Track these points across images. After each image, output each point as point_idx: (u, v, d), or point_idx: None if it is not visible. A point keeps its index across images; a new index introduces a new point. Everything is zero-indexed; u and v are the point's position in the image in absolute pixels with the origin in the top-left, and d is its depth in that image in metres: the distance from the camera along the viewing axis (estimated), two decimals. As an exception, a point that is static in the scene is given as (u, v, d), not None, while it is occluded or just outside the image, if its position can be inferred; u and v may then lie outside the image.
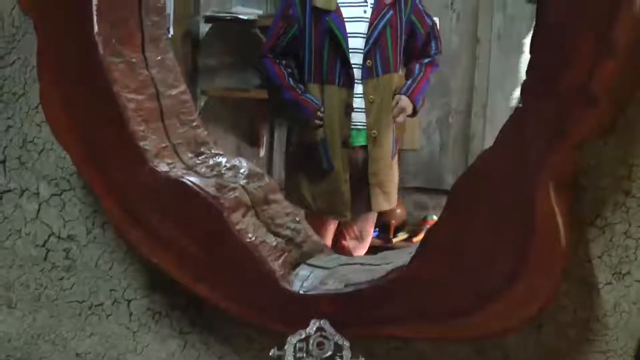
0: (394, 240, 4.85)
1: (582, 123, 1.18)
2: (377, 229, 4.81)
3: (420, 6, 3.79)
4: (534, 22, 1.29)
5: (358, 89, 3.65)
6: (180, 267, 1.42)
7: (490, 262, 1.25)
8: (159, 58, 1.55)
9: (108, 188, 1.44)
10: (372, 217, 4.05)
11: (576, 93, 1.17)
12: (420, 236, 4.84)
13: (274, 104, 3.93)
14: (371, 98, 3.65)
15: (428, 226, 4.85)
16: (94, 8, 1.40)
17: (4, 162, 1.61)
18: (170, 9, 4.68)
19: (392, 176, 3.89)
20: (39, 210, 1.61)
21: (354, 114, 3.66)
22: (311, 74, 3.68)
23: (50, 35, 1.45)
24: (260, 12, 5.04)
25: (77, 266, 1.61)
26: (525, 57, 3.57)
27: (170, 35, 4.72)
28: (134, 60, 1.48)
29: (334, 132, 3.65)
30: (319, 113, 3.64)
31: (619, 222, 1.30)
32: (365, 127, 3.68)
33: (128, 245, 1.51)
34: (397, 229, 4.90)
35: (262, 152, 5.19)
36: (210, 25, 5.05)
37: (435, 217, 4.90)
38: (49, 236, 1.61)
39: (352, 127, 3.67)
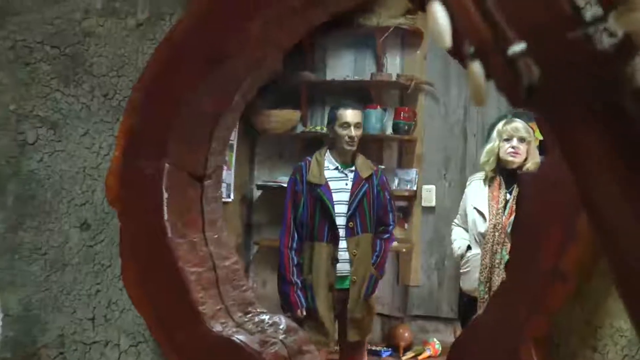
0: (403, 358, 4.66)
1: (555, 295, 1.13)
2: (389, 349, 4.65)
3: (384, 180, 3.73)
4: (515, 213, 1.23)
5: (342, 244, 3.57)
6: (230, 412, 1.32)
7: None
8: (216, 236, 1.49)
9: (173, 345, 1.36)
10: (364, 346, 3.88)
11: (549, 272, 1.11)
12: (424, 354, 4.66)
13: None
14: (354, 252, 3.56)
15: (429, 347, 4.72)
16: (164, 201, 1.36)
17: (93, 319, 1.54)
18: (231, 179, 4.71)
19: (368, 312, 3.70)
20: (119, 358, 1.52)
21: (339, 265, 3.56)
22: (306, 235, 3.59)
23: (129, 221, 1.40)
24: (298, 181, 5.05)
25: (147, 405, 1.51)
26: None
27: (231, 200, 4.74)
28: (195, 239, 1.43)
29: (320, 279, 3.53)
30: (300, 310, 3.50)
31: (588, 374, 1.20)
32: (348, 274, 3.57)
33: (188, 390, 1.41)
34: (405, 349, 4.72)
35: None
36: (261, 191, 5.08)
37: (435, 339, 4.73)
38: (127, 380, 1.52)
39: (337, 274, 3.57)
